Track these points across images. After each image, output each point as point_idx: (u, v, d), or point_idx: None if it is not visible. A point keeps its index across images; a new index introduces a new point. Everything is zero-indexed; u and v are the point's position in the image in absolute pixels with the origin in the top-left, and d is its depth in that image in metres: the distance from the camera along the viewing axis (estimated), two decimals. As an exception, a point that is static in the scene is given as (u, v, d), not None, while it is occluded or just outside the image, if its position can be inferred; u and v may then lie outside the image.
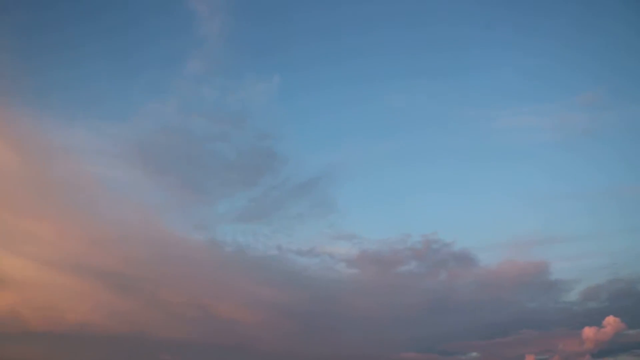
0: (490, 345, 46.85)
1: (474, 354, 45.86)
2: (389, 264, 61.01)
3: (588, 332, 26.95)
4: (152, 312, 54.58)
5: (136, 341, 52.47)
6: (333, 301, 50.36)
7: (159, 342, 53.83)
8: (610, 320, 26.31)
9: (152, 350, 53.24)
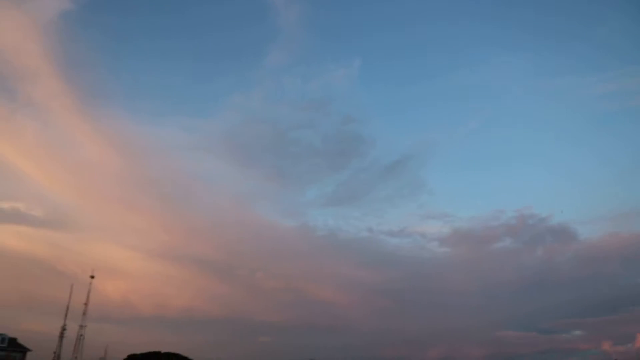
0: (596, 324, 44.34)
1: (578, 332, 43.52)
2: (482, 242, 59.09)
3: None
4: (250, 297, 56.80)
5: (236, 324, 54.86)
6: (426, 280, 50.01)
7: (258, 325, 55.90)
8: None
9: (251, 332, 55.48)
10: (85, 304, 42.06)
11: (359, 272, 59.35)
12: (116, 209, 65.62)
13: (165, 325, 58.42)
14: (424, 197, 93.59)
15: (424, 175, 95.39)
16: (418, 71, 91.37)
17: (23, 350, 35.44)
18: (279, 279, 61.34)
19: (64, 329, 41.00)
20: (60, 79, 65.13)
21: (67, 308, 40.96)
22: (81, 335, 41.61)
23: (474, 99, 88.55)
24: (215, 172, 74.32)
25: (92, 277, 43.07)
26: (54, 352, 38.96)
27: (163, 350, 44.98)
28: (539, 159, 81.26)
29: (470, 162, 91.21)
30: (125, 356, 45.04)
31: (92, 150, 66.84)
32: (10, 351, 34.08)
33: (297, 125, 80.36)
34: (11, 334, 35.15)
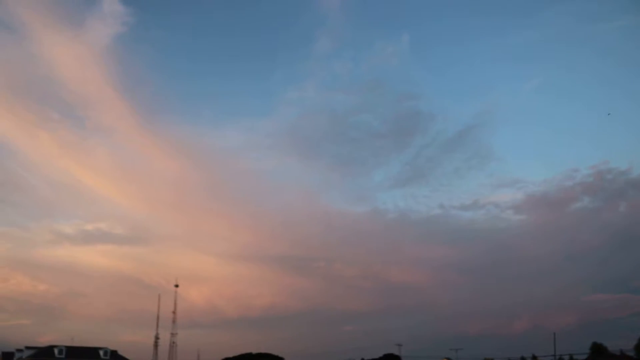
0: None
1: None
2: (558, 204, 56.44)
3: None
4: (329, 287, 57.06)
5: (319, 316, 55.29)
6: (504, 251, 48.45)
7: (340, 314, 56.09)
8: None
9: (334, 322, 55.70)
10: (174, 313, 44.07)
11: (435, 250, 58.58)
12: (190, 216, 68.11)
13: (250, 325, 60.14)
14: (493, 165, 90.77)
15: (491, 142, 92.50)
16: (470, 34, 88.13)
17: (124, 361, 37.42)
18: (356, 266, 61.62)
19: (157, 338, 43.15)
20: (123, 100, 68.24)
21: (158, 318, 43.08)
22: (173, 342, 43.66)
23: (534, 58, 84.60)
24: (280, 168, 75.41)
25: (177, 286, 45.05)
26: (152, 360, 41.07)
27: (254, 351, 46.25)
28: (608, 109, 76.47)
29: (537, 122, 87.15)
30: (218, 359, 46.65)
31: (161, 163, 69.58)
32: (113, 363, 36.10)
33: (354, 110, 79.90)
34: (112, 347, 37.20)
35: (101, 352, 35.69)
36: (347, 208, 71.88)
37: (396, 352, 43.90)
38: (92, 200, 71.17)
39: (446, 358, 42.90)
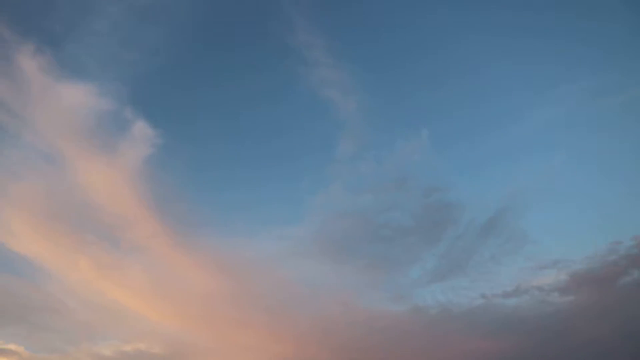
0: None
1: None
2: (606, 280, 53.93)
3: None
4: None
5: None
6: (555, 336, 46.18)
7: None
8: None
9: None
10: None
11: (480, 344, 54.15)
12: (227, 329, 65.15)
13: None
14: (530, 247, 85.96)
15: (524, 224, 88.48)
16: (489, 120, 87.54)
17: None
18: (398, 369, 57.52)
19: None
20: (155, 219, 66.93)
21: None
22: None
23: (557, 133, 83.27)
24: (315, 274, 71.56)
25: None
26: None
27: None
28: None
29: (569, 197, 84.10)
30: None
31: (196, 277, 67.08)
32: None
33: (382, 209, 76.54)
34: None
35: None
36: (386, 308, 67.43)
37: None
38: (130, 320, 68.91)
39: None
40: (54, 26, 17.53)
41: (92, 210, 22.14)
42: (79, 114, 18.89)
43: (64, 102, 18.21)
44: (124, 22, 18.44)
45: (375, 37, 23.45)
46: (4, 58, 16.92)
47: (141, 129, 20.79)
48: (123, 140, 21.04)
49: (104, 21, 18.08)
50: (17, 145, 18.50)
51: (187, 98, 21.39)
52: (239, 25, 20.54)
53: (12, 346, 20.97)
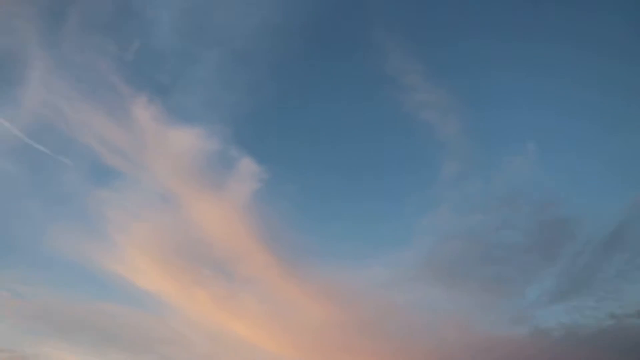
0: None
1: None
2: None
3: None
4: None
5: None
6: None
7: None
8: None
9: None
10: None
11: None
12: (340, 357, 65.88)
13: None
14: None
15: None
16: (598, 129, 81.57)
17: None
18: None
19: None
20: (265, 251, 69.39)
21: None
22: None
23: None
24: (427, 299, 70.31)
25: None
26: None
27: None
28: None
29: None
30: None
31: (307, 307, 68.43)
32: None
33: (493, 229, 73.98)
34: None
35: None
36: (505, 331, 64.58)
37: None
38: (247, 350, 71.48)
39: None
40: (163, 78, 18.91)
41: (207, 246, 23.38)
42: (189, 156, 20.12)
43: (175, 146, 19.51)
44: (224, 67, 19.51)
45: (471, 55, 22.84)
46: (122, 110, 18.56)
47: (247, 165, 21.71)
48: (231, 177, 22.08)
49: (205, 68, 19.27)
50: (136, 189, 19.98)
51: (288, 133, 22.03)
52: (333, 60, 20.95)
53: (141, 377, 22.29)
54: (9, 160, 18.93)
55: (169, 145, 19.56)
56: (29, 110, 18.36)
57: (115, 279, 20.65)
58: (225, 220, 23.37)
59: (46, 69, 18.24)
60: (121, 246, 20.75)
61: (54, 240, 19.27)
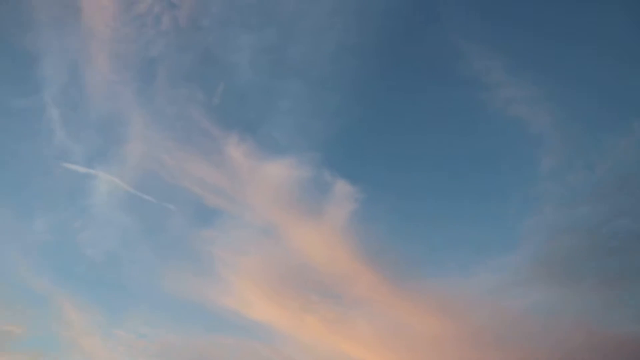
0: None
1: None
2: None
3: None
4: None
5: None
6: None
7: None
8: None
9: None
10: None
11: None
12: None
13: None
14: None
15: None
16: None
17: None
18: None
19: None
20: (370, 271, 69.83)
21: None
22: None
23: None
24: (542, 301, 67.47)
25: None
26: None
27: None
28: None
29: None
30: None
31: (418, 321, 67.81)
32: None
33: (605, 219, 69.94)
34: None
35: None
36: (633, 329, 61.19)
37: None
38: None
39: None
40: (249, 115, 19.63)
41: (311, 271, 23.75)
42: (284, 186, 20.63)
43: (269, 178, 20.10)
44: (306, 95, 19.93)
45: (556, 45, 21.78)
46: (216, 152, 19.43)
47: (342, 187, 21.92)
48: (327, 201, 22.39)
49: (288, 99, 19.78)
50: (238, 225, 20.72)
51: (377, 150, 22.05)
52: (413, 71, 20.80)
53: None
54: (121, 212, 20.35)
55: (264, 178, 20.18)
56: (133, 165, 19.73)
57: (227, 312, 21.42)
58: (326, 244, 23.65)
59: (144, 124, 19.56)
60: (230, 281, 21.54)
61: (167, 281, 20.40)
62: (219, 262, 20.53)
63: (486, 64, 20.37)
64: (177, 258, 20.79)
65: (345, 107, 19.79)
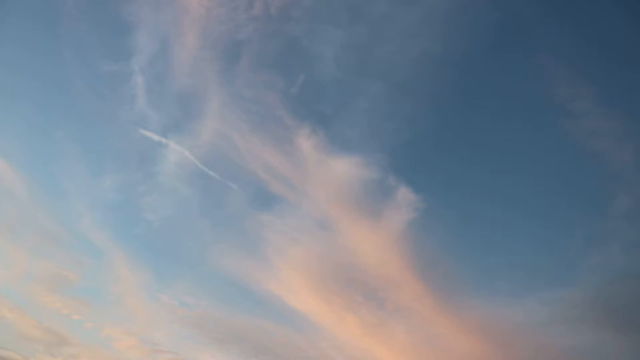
0: None
1: None
2: None
3: None
4: None
5: None
6: None
7: None
8: None
9: None
10: None
11: None
12: None
13: None
14: None
15: None
16: None
17: None
18: None
19: None
20: (418, 281, 68.87)
21: None
22: None
23: None
24: (592, 343, 64.71)
25: None
26: None
27: None
28: None
29: None
30: None
31: (457, 342, 66.41)
32: None
33: None
34: None
35: None
36: None
37: None
38: None
39: None
40: (325, 109, 19.75)
41: (360, 272, 23.81)
42: (347, 184, 20.69)
43: (334, 174, 20.21)
44: (384, 97, 19.86)
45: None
46: (286, 140, 19.70)
47: (404, 194, 21.78)
48: (387, 206, 22.32)
49: (366, 99, 19.76)
50: (296, 214, 20.98)
51: (446, 163, 21.73)
52: (495, 88, 20.31)
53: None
54: (186, 184, 21.00)
55: (329, 173, 20.31)
56: (205, 140, 20.29)
57: (271, 297, 21.75)
58: (380, 248, 23.61)
59: (221, 104, 20.07)
60: (278, 267, 21.84)
61: (217, 257, 20.94)
62: (271, 247, 20.85)
63: (574, 91, 19.60)
64: (231, 236, 21.27)
65: (420, 115, 19.59)
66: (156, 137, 20.27)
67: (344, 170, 19.91)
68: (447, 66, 19.52)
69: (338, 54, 19.54)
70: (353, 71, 19.64)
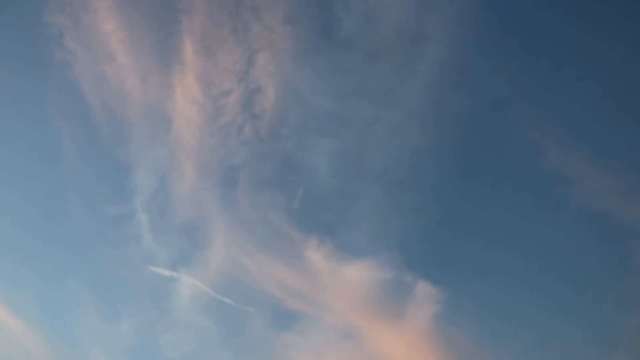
0: None
1: None
2: None
3: None
4: None
5: None
6: None
7: None
8: None
9: None
10: None
11: None
12: None
13: None
14: None
15: None
16: None
17: None
18: None
19: None
20: None
21: None
22: None
23: None
24: None
25: None
26: None
27: None
28: None
29: None
30: None
31: None
32: None
33: None
34: None
35: None
36: None
37: None
38: None
39: None
40: (329, 218, 19.85)
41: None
42: (364, 289, 20.35)
43: (349, 281, 19.95)
44: (384, 197, 20.00)
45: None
46: (296, 256, 19.63)
47: (423, 288, 21.30)
48: (409, 303, 21.81)
49: (367, 201, 19.90)
50: (318, 329, 20.40)
51: (458, 250, 21.46)
52: (491, 168, 20.52)
53: None
54: (202, 315, 20.57)
55: (344, 281, 20.06)
56: (215, 268, 20.20)
57: None
58: (408, 347, 22.80)
59: (226, 229, 20.18)
60: None
61: None
62: (299, 367, 20.19)
63: (565, 157, 19.80)
64: (255, 363, 20.59)
65: (423, 207, 19.63)
66: (167, 273, 20.19)
67: (358, 275, 19.72)
68: (442, 157, 19.87)
69: (332, 162, 19.98)
70: (349, 177, 19.97)
